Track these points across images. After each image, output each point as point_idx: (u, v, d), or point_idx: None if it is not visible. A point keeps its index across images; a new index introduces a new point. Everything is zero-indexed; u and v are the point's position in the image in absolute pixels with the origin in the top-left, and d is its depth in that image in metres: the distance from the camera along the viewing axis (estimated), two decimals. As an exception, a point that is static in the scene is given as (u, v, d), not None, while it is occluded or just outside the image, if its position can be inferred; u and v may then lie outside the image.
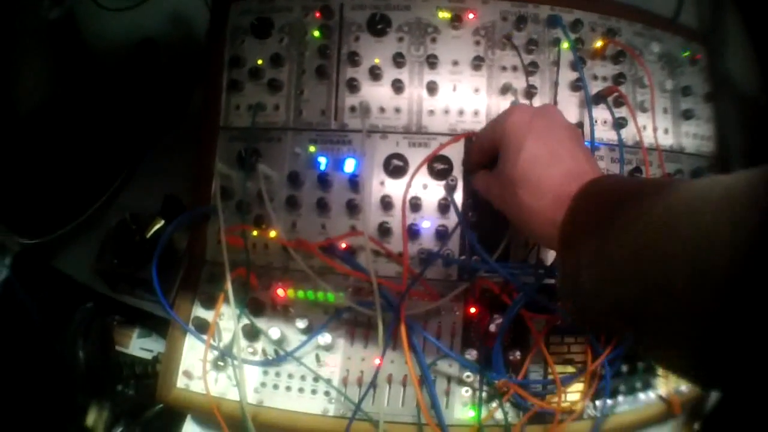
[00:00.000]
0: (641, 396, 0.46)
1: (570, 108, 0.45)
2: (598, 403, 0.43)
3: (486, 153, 0.38)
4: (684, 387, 0.48)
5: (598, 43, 0.46)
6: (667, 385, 0.46)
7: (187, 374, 0.42)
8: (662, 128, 0.49)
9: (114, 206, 0.55)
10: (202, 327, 0.42)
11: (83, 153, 0.56)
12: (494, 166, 0.36)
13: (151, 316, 0.54)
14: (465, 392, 0.41)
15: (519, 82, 0.44)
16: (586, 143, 0.45)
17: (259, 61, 0.45)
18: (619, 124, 0.46)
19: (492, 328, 0.40)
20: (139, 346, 0.55)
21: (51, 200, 0.54)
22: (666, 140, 0.50)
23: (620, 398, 0.45)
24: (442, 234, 0.42)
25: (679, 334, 0.23)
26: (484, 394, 0.40)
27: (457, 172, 0.43)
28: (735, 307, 0.20)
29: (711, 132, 0.52)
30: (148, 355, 0.55)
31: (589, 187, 0.30)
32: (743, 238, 0.20)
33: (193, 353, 0.43)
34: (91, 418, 0.57)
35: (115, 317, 0.55)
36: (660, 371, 0.47)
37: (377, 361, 0.39)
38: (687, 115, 0.50)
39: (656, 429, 0.48)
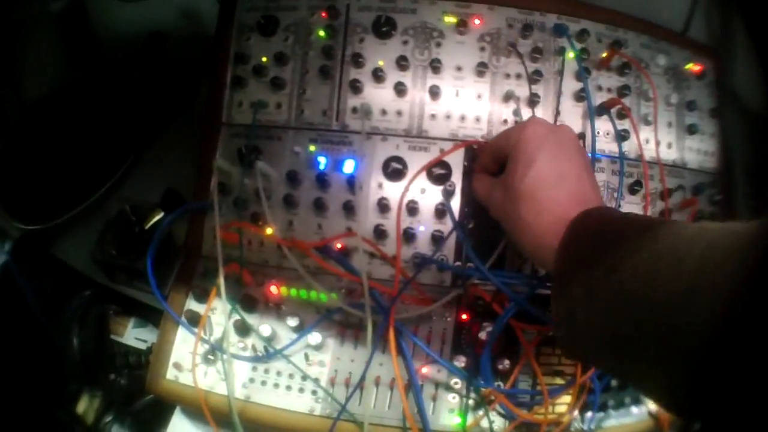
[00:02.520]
0: (631, 411, 0.46)
1: (573, 118, 0.45)
2: (587, 416, 0.43)
3: (495, 159, 0.38)
4: None
5: (604, 54, 0.46)
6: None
7: (177, 366, 0.43)
8: (665, 142, 0.49)
9: (116, 196, 0.56)
10: (194, 320, 0.43)
11: (87, 142, 0.57)
12: (499, 174, 0.36)
13: (148, 307, 0.54)
14: (452, 398, 0.41)
15: (522, 90, 0.44)
16: (588, 155, 0.45)
17: (264, 59, 0.45)
18: (621, 136, 0.45)
19: (482, 335, 0.40)
20: (134, 336, 0.56)
21: (53, 188, 0.55)
22: (669, 155, 0.49)
23: (609, 412, 0.45)
24: (437, 239, 0.42)
25: (660, 378, 0.23)
26: (470, 402, 0.40)
27: (456, 177, 0.43)
28: (708, 367, 0.20)
29: (714, 148, 0.52)
30: (142, 346, 0.55)
31: (585, 216, 0.30)
32: (719, 303, 0.20)
33: (184, 346, 0.43)
34: (82, 406, 0.57)
35: (111, 306, 0.56)
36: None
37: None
38: (691, 130, 0.50)
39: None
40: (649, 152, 0.47)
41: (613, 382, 0.45)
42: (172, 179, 0.55)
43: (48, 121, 0.56)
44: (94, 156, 0.56)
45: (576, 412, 0.43)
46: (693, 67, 0.52)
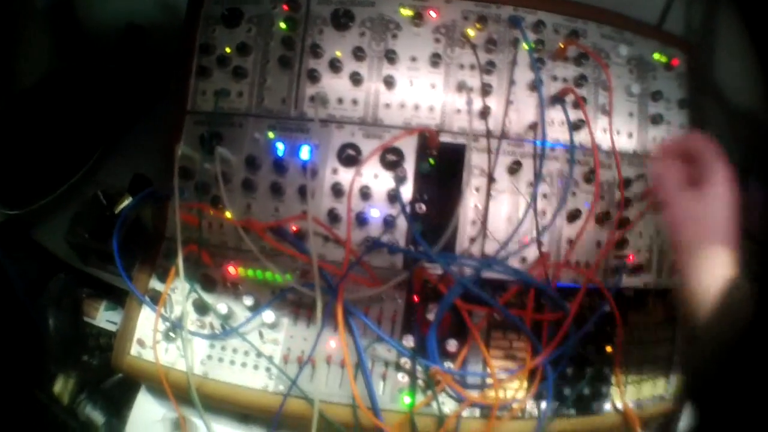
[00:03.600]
0: (593, 405, 0.48)
1: (527, 108, 0.49)
2: (543, 404, 0.46)
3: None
4: (647, 401, 0.50)
5: (560, 45, 0.49)
6: (622, 397, 0.48)
7: (141, 343, 0.47)
8: (626, 132, 0.52)
9: (92, 182, 0.61)
10: (157, 299, 0.47)
11: (65, 129, 0.62)
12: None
13: (119, 290, 0.59)
14: (401, 378, 0.44)
15: (475, 80, 0.48)
16: (538, 143, 0.48)
17: (228, 49, 0.49)
18: (575, 125, 0.49)
19: (430, 317, 0.44)
20: (106, 318, 0.61)
21: (33, 174, 0.60)
22: (629, 144, 0.52)
23: (568, 403, 0.47)
24: (389, 223, 0.46)
25: None
26: (420, 383, 0.44)
27: (409, 164, 0.47)
28: None
29: (684, 139, 0.55)
30: (113, 328, 0.60)
31: None
32: None
33: (147, 323, 0.47)
34: (58, 386, 0.63)
35: (84, 289, 0.60)
36: (614, 381, 0.49)
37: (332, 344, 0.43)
38: (655, 120, 0.53)
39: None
40: (608, 141, 0.50)
41: (569, 371, 0.48)
42: (146, 166, 0.60)
43: (29, 110, 0.62)
44: (72, 142, 0.61)
45: (531, 401, 0.45)
46: (661, 57, 0.55)
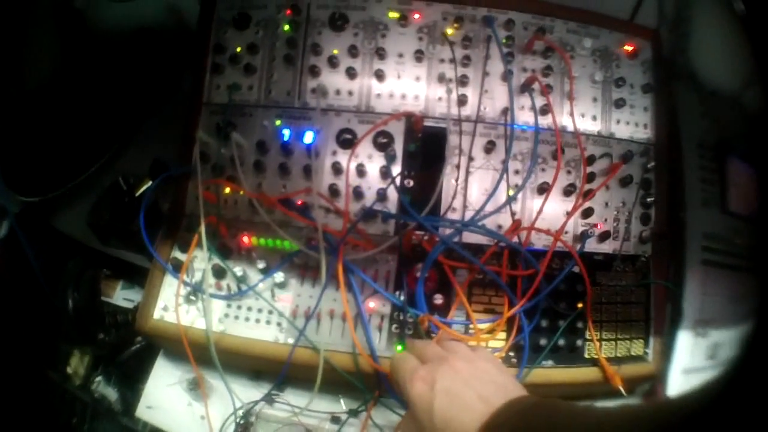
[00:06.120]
0: (570, 356, 0.62)
1: (500, 96, 0.63)
2: (523, 356, 0.60)
3: None
4: (626, 359, 0.62)
5: (527, 40, 0.65)
6: (598, 351, 0.61)
7: (164, 307, 0.61)
8: (590, 115, 0.67)
9: (110, 171, 0.75)
10: (178, 267, 0.61)
11: (83, 125, 0.77)
12: None
13: (136, 270, 0.73)
14: (395, 329, 0.59)
15: (454, 72, 0.63)
16: (509, 126, 0.62)
17: (238, 49, 0.64)
18: (543, 110, 0.64)
19: (418, 274, 0.58)
20: (123, 296, 0.74)
21: (53, 164, 0.75)
22: (593, 126, 0.67)
23: (546, 354, 0.60)
24: (382, 195, 0.60)
25: None
26: (410, 332, 0.58)
27: (397, 145, 0.61)
28: None
29: (648, 120, 0.70)
30: (130, 305, 0.74)
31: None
32: None
33: (170, 290, 0.61)
34: (72, 365, 0.76)
35: (103, 270, 0.75)
36: (588, 335, 0.63)
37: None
38: (618, 104, 0.68)
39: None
40: (576, 124, 0.65)
41: (543, 323, 0.62)
42: (159, 155, 0.75)
43: (49, 106, 0.77)
44: (90, 137, 0.76)
45: (511, 352, 0.59)
46: (626, 47, 0.71)
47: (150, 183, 0.68)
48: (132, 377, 0.72)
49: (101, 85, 0.78)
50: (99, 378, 0.74)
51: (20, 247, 0.72)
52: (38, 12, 0.77)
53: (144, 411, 0.64)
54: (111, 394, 0.74)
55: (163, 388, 0.64)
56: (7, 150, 0.71)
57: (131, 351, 0.70)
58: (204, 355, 0.59)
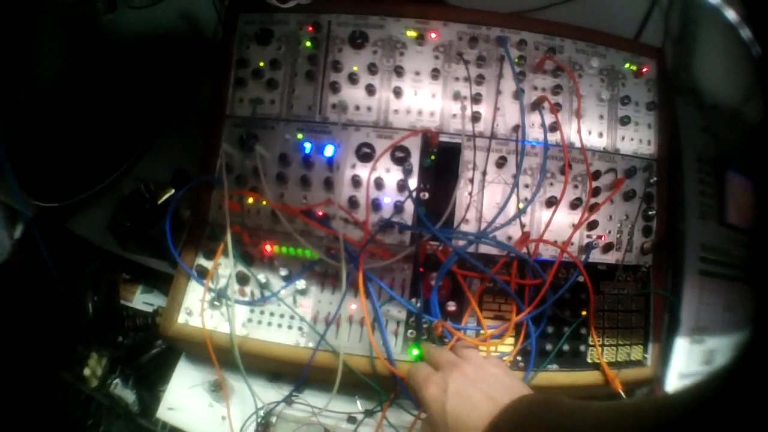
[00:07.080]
0: (573, 360, 0.69)
1: (511, 113, 0.70)
2: (530, 360, 0.67)
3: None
4: (625, 364, 0.69)
5: (538, 60, 0.71)
6: (599, 356, 0.68)
7: (188, 311, 0.67)
8: (597, 132, 0.74)
9: (127, 178, 0.81)
10: (202, 273, 0.67)
11: (102, 132, 0.82)
12: None
13: (155, 274, 0.79)
14: (410, 334, 0.65)
15: (468, 90, 0.69)
16: (520, 142, 0.69)
17: (261, 64, 0.70)
18: (552, 127, 0.71)
19: (432, 283, 0.65)
20: (142, 300, 0.80)
21: (75, 169, 0.80)
22: (600, 143, 0.74)
23: (551, 358, 0.66)
24: (399, 208, 0.67)
25: None
26: (424, 338, 0.65)
27: (414, 159, 0.68)
28: None
29: (651, 137, 0.77)
30: (149, 309, 0.80)
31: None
32: None
33: (194, 295, 0.67)
34: (90, 367, 0.82)
35: (122, 274, 0.80)
36: (591, 341, 0.70)
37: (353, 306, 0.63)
38: (624, 121, 0.75)
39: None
40: (583, 141, 0.72)
41: (549, 329, 0.69)
42: (175, 164, 0.80)
43: (67, 114, 0.82)
44: (110, 143, 0.82)
45: (519, 356, 0.66)
46: (631, 66, 0.77)
47: (172, 191, 0.73)
48: (150, 379, 0.78)
49: (119, 92, 0.83)
50: (116, 380, 0.80)
51: (37, 250, 0.78)
52: (45, 18, 0.82)
53: (165, 412, 0.70)
54: (128, 395, 0.80)
55: (185, 390, 0.70)
56: (27, 156, 0.76)
57: (151, 354, 0.76)
58: (225, 358, 0.65)
